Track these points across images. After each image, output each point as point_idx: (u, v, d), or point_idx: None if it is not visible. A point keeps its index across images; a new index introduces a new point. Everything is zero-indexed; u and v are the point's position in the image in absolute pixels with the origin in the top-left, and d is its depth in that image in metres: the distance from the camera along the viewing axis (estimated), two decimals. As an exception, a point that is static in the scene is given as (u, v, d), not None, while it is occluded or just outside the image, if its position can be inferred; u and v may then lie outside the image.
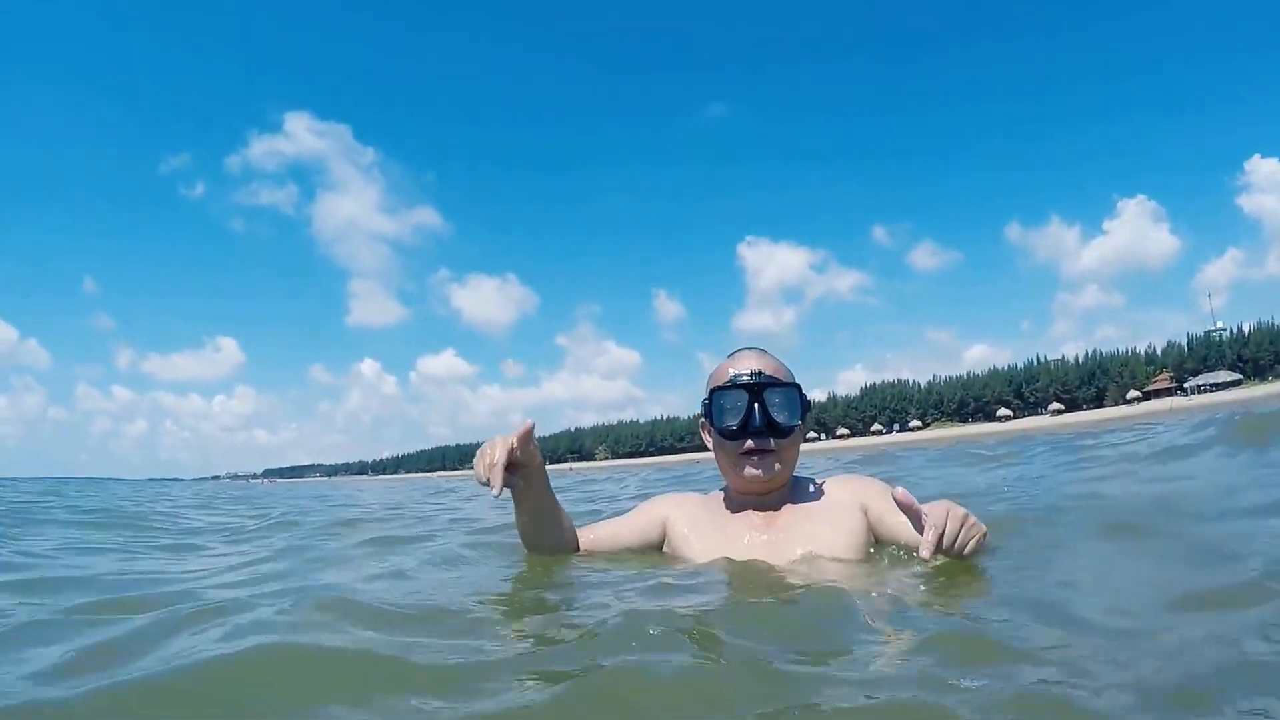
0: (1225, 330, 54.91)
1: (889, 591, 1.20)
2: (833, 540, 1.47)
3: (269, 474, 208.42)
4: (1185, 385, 52.05)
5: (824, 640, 0.96)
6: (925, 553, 1.19)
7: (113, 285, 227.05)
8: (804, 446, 1.67)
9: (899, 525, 1.42)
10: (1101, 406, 54.90)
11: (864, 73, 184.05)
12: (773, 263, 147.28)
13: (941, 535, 1.21)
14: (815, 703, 0.76)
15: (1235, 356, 51.78)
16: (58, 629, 1.21)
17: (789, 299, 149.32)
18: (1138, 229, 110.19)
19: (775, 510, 1.57)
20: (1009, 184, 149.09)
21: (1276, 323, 51.26)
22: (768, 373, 1.57)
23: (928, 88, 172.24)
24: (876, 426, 67.17)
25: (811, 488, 1.63)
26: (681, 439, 79.57)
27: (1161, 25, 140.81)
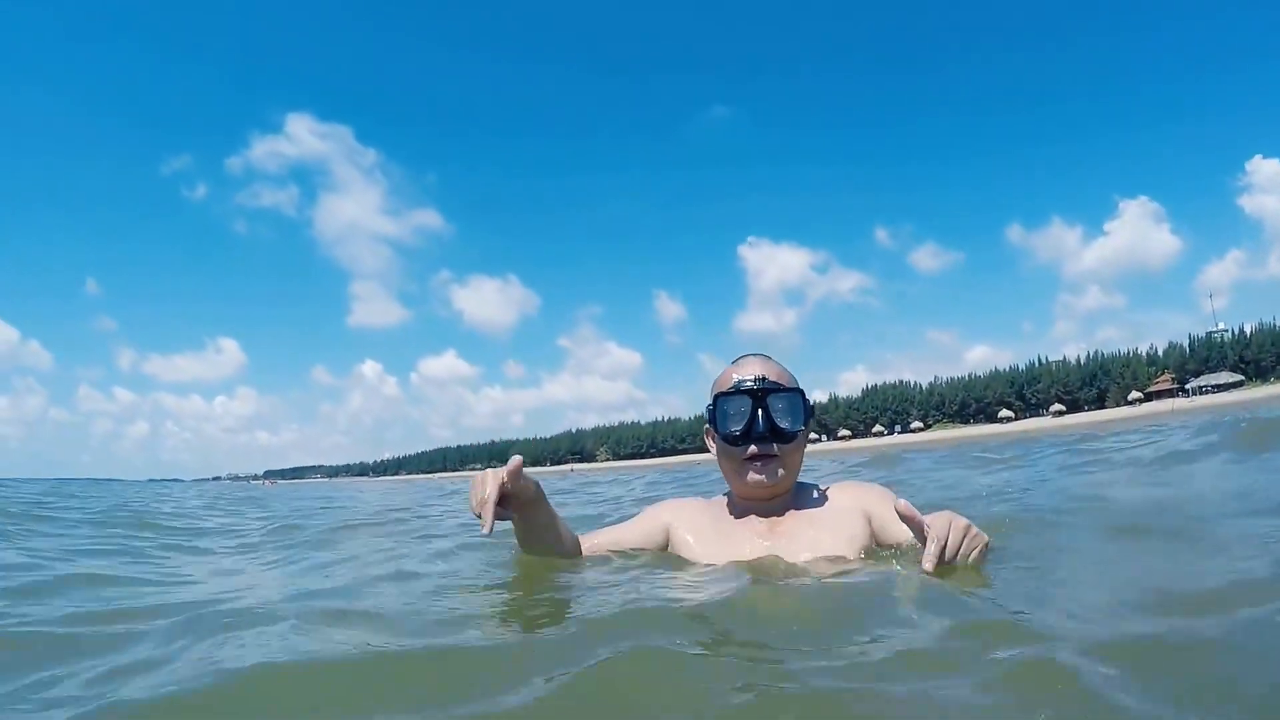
0: (1227, 331, 54.89)
1: (891, 596, 1.20)
2: (835, 546, 1.47)
3: (269, 475, 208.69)
4: (1187, 386, 52.01)
5: (825, 643, 0.97)
6: (928, 565, 1.20)
7: (114, 287, 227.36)
8: (808, 448, 1.67)
9: (902, 532, 1.41)
10: (1103, 408, 54.87)
11: (866, 74, 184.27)
12: (774, 264, 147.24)
13: (944, 547, 1.21)
14: (816, 704, 0.77)
15: (1237, 358, 51.73)
16: (56, 633, 1.21)
17: (790, 300, 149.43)
18: (1139, 230, 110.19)
19: (779, 516, 1.57)
20: (1010, 185, 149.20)
21: (1278, 324, 51.23)
22: (771, 378, 1.57)
23: (929, 89, 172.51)
24: (878, 428, 67.15)
25: (815, 493, 1.62)
26: (683, 440, 79.59)
27: (1162, 26, 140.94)
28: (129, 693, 0.88)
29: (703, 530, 1.62)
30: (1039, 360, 64.82)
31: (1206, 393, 47.82)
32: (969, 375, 68.19)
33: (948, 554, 1.22)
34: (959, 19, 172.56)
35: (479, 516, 1.36)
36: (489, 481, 1.38)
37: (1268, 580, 1.14)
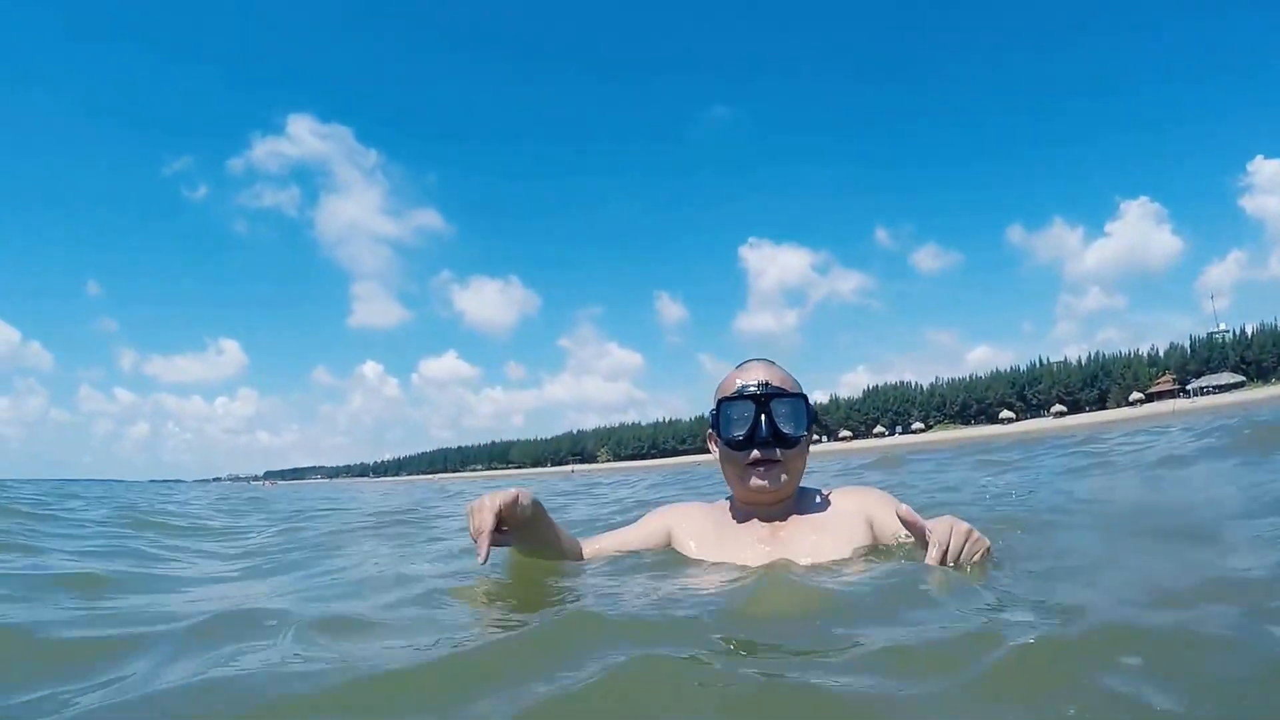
0: (1228, 332, 54.82)
1: (892, 599, 1.20)
2: (837, 551, 1.48)
3: (270, 476, 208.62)
4: (1188, 387, 51.96)
5: (827, 646, 0.97)
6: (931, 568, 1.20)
7: (116, 288, 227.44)
8: (811, 449, 1.67)
9: (904, 536, 1.42)
10: (1104, 408, 54.80)
11: (866, 74, 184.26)
12: (775, 264, 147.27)
13: (945, 551, 1.22)
14: (817, 705, 0.77)
15: (1238, 358, 51.66)
16: (60, 636, 1.22)
17: (791, 301, 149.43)
18: (1140, 230, 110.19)
19: (781, 520, 1.58)
20: (1011, 185, 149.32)
21: (1279, 324, 51.15)
22: (775, 384, 1.57)
23: (930, 89, 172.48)
24: (879, 429, 67.09)
25: (818, 499, 1.63)
26: (683, 441, 79.55)
27: (1163, 27, 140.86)
28: (129, 696, 0.88)
29: (705, 535, 1.62)
30: (1040, 361, 64.82)
31: (1208, 393, 47.74)
32: (970, 376, 68.22)
33: (949, 558, 1.22)
34: (959, 19, 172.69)
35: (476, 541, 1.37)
36: (486, 510, 1.38)
37: (1270, 581, 1.15)
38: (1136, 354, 60.40)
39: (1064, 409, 57.28)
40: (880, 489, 1.70)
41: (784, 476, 1.55)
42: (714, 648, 0.96)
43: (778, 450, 1.54)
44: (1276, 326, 51.08)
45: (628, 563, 1.65)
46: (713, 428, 1.62)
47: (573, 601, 1.33)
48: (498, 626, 1.20)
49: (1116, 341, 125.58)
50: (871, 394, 72.53)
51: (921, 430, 63.60)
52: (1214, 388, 48.83)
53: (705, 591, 1.32)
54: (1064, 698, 0.74)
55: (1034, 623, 1.00)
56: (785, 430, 1.54)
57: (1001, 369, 66.97)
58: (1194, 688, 0.76)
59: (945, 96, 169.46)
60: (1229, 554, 1.45)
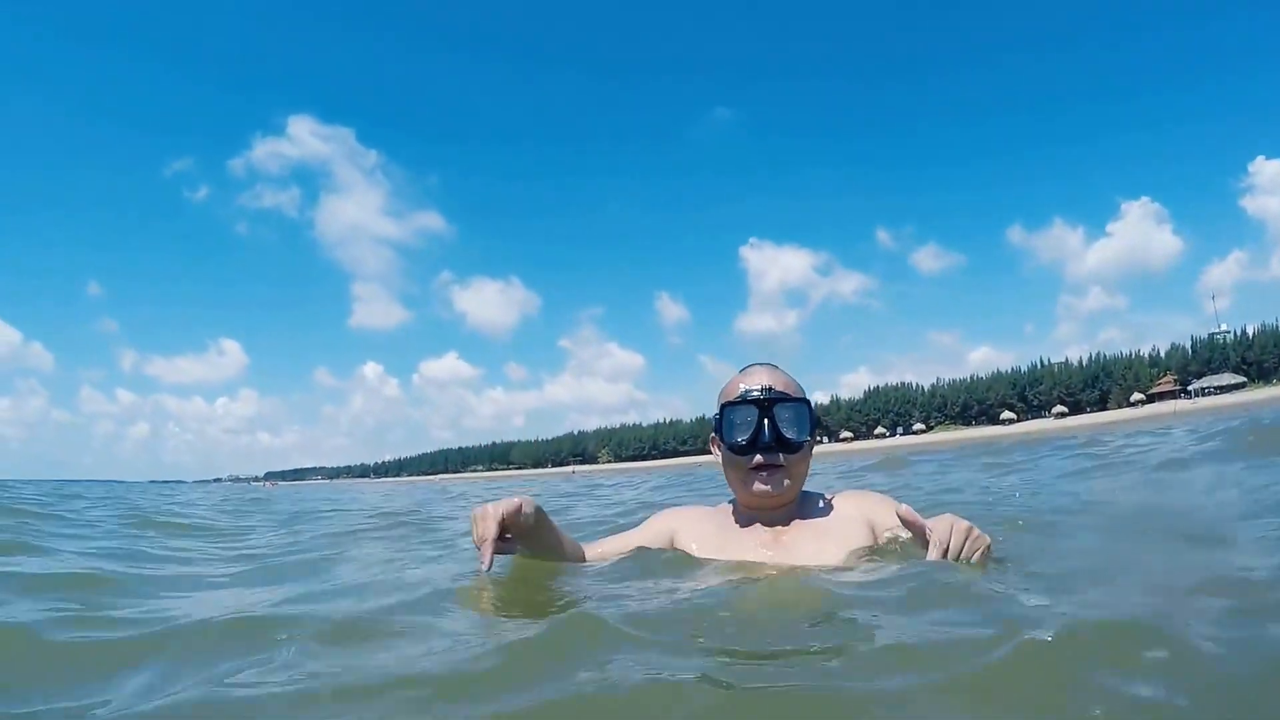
0: (1229, 332, 54.80)
1: (893, 600, 1.20)
2: (839, 555, 1.48)
3: (270, 476, 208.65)
4: (1189, 388, 51.93)
5: (828, 647, 0.98)
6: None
7: (116, 288, 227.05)
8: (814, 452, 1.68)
9: (905, 538, 1.42)
10: (1105, 409, 54.78)
11: (867, 76, 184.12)
12: (776, 265, 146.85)
13: (946, 549, 1.23)
14: (818, 706, 0.78)
15: (1239, 359, 51.64)
16: (63, 638, 1.22)
17: (792, 301, 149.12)
18: (1141, 231, 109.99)
19: (783, 525, 1.58)
20: (1012, 186, 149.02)
21: (1280, 325, 51.16)
22: (778, 388, 1.58)
23: (930, 90, 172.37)
24: (880, 429, 67.08)
25: (820, 503, 1.63)
26: (684, 442, 79.56)
27: (1164, 27, 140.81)
28: (134, 700, 0.89)
29: (707, 538, 1.62)
30: (1041, 362, 64.82)
31: (1209, 394, 47.74)
32: (971, 377, 68.24)
33: (950, 556, 1.23)
34: (960, 20, 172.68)
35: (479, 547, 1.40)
36: (489, 520, 1.40)
37: (1272, 582, 1.15)
38: (1137, 355, 60.44)
39: (1065, 410, 57.27)
40: (881, 492, 1.71)
41: (786, 481, 1.56)
42: (716, 651, 0.96)
43: (780, 455, 1.55)
44: (1278, 327, 51.06)
45: (630, 566, 1.66)
46: (715, 431, 1.63)
47: (576, 605, 1.33)
48: (500, 629, 1.20)
49: (1118, 342, 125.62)
50: (872, 395, 72.54)
51: (922, 431, 63.59)
52: (1215, 388, 48.80)
53: (708, 595, 1.32)
54: (1067, 697, 0.75)
55: (1037, 623, 1.00)
56: (788, 435, 1.55)
57: (1002, 370, 67.13)
58: (1196, 688, 0.77)
59: (945, 97, 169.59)
60: (1232, 555, 1.45)
